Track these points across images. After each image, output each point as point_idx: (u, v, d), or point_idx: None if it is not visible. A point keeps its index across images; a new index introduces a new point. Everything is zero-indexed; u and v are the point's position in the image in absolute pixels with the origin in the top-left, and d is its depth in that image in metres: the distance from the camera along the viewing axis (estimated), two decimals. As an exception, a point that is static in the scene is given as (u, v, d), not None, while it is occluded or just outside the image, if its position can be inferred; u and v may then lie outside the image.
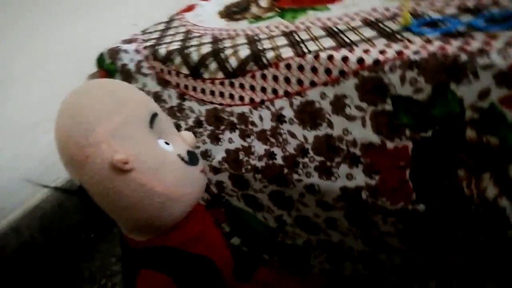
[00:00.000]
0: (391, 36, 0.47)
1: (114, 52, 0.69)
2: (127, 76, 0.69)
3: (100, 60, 0.71)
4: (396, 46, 0.44)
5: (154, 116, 0.36)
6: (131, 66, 0.68)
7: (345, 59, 0.45)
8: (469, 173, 0.40)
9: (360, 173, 0.47)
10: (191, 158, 0.37)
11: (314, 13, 0.63)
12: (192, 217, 0.39)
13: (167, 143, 0.37)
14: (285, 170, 0.52)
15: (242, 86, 0.55)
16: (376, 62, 0.43)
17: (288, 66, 0.50)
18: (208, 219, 0.45)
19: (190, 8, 0.85)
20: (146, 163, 0.34)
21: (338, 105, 0.46)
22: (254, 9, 0.74)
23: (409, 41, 0.45)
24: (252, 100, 0.54)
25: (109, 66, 0.70)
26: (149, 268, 0.36)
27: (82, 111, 0.33)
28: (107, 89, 0.35)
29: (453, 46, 0.41)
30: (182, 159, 0.37)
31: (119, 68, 0.69)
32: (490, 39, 0.40)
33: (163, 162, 0.35)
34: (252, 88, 0.53)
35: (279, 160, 0.53)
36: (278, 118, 0.51)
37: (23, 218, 0.71)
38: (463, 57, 0.38)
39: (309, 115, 0.49)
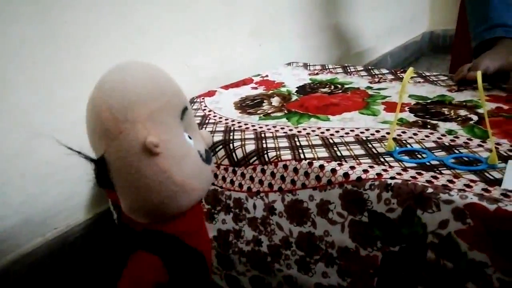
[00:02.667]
0: (375, 158, 0.55)
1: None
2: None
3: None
4: (378, 168, 0.52)
5: (185, 109, 0.39)
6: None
7: (333, 170, 0.53)
8: (427, 291, 0.45)
9: (334, 273, 0.52)
10: (207, 157, 0.40)
11: (316, 121, 0.73)
12: (193, 212, 0.41)
13: (190, 138, 0.39)
14: (269, 258, 0.57)
15: (243, 175, 0.62)
16: (359, 179, 0.50)
17: (285, 167, 0.57)
18: (203, 218, 0.46)
19: (210, 94, 0.96)
20: (172, 151, 0.36)
21: (323, 208, 0.53)
22: (266, 106, 0.85)
23: (390, 166, 0.53)
24: (249, 189, 0.60)
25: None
26: (144, 250, 0.37)
27: (125, 89, 0.35)
28: (150, 73, 0.37)
29: (423, 178, 0.49)
30: (201, 155, 0.39)
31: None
32: (454, 178, 0.48)
33: (186, 154, 0.37)
34: (252, 179, 0.61)
35: (264, 248, 0.58)
36: (270, 209, 0.58)
37: (13, 263, 0.74)
38: (430, 189, 0.46)
39: (297, 212, 0.55)
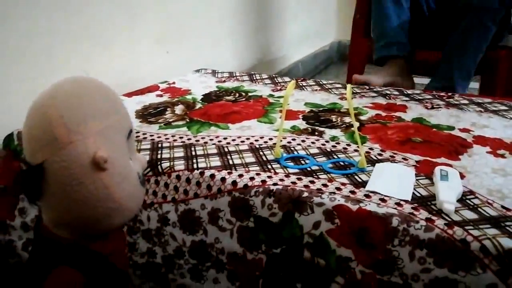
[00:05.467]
0: (263, 165, 0.59)
1: (24, 135, 0.73)
2: (33, 158, 0.72)
3: (9, 140, 0.74)
4: (264, 175, 0.55)
5: (131, 131, 0.40)
6: (39, 150, 0.72)
7: (223, 179, 0.55)
8: (305, 287, 0.49)
9: (224, 278, 0.54)
10: (143, 180, 0.42)
11: (215, 130, 0.75)
12: (118, 234, 0.42)
13: (130, 159, 0.40)
14: (163, 269, 0.57)
15: (137, 186, 0.61)
16: (245, 186, 0.53)
17: (178, 177, 0.58)
18: (125, 238, 0.46)
19: (112, 102, 0.93)
20: (117, 169, 0.37)
21: (214, 216, 0.55)
22: (168, 115, 0.84)
23: (275, 172, 0.56)
24: (143, 201, 0.60)
25: (16, 147, 0.73)
26: (69, 265, 0.37)
27: (82, 102, 0.36)
28: (105, 91, 0.39)
29: (302, 183, 0.53)
30: (139, 177, 0.41)
31: (25, 150, 0.72)
32: (328, 182, 0.53)
33: (128, 175, 0.39)
34: (146, 190, 0.60)
35: (158, 259, 0.58)
36: (164, 220, 0.58)
37: None
38: (305, 194, 0.50)
39: (189, 221, 0.56)
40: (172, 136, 0.72)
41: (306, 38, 2.21)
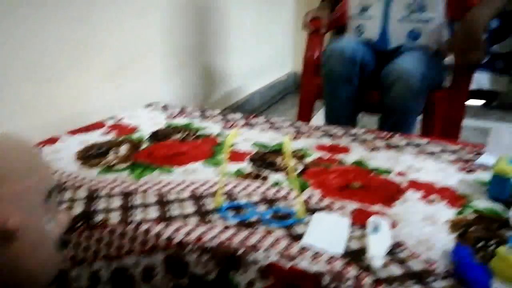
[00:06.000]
0: (203, 216, 0.58)
1: None
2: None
3: None
4: (201, 229, 0.54)
5: (51, 191, 0.37)
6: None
7: (158, 235, 0.53)
8: None
9: None
10: (62, 243, 0.39)
11: (159, 174, 0.73)
12: None
13: (50, 220, 0.38)
14: (93, 332, 0.54)
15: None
16: (180, 243, 0.52)
17: (112, 232, 0.56)
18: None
19: (52, 141, 0.89)
20: (30, 237, 0.34)
21: (148, 274, 0.53)
22: (111, 156, 0.82)
23: (214, 225, 0.55)
24: (73, 257, 0.57)
25: None
26: None
27: None
28: (25, 150, 0.36)
29: (240, 236, 0.52)
30: (56, 242, 0.38)
31: None
32: (266, 234, 0.53)
33: (43, 241, 0.36)
34: (76, 245, 0.57)
35: (88, 321, 0.54)
36: (94, 279, 0.55)
37: None
38: (241, 251, 0.49)
39: (122, 280, 0.54)
40: (113, 181, 0.69)
41: (262, 70, 2.26)
